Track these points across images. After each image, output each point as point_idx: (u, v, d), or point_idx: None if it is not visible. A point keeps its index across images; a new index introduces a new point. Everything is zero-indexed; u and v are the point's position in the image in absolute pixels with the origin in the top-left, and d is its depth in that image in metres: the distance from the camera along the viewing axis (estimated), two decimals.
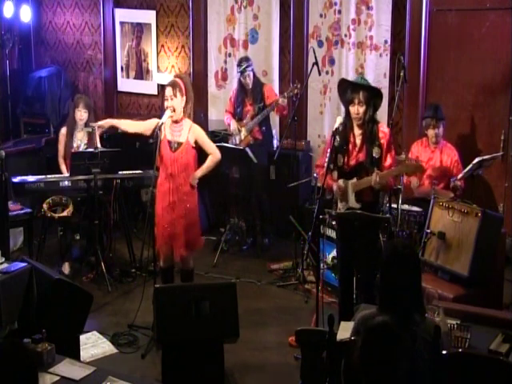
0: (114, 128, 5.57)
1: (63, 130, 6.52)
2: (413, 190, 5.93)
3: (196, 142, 5.05)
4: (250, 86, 6.71)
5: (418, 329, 2.92)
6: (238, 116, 6.82)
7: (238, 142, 6.76)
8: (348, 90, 4.68)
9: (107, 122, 5.45)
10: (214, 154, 5.12)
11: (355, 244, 4.80)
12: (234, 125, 6.80)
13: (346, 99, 4.70)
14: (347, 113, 4.72)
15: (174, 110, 4.94)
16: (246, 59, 6.74)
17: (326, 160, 4.64)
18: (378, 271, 4.63)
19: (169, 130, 5.03)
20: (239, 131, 6.76)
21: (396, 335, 2.59)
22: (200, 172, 5.08)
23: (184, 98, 4.97)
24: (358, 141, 4.70)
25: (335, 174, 4.78)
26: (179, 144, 4.99)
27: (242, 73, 6.70)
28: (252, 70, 6.70)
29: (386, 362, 2.54)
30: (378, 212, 4.81)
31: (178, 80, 5.03)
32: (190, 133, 4.99)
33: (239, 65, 6.75)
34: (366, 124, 4.65)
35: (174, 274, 5.28)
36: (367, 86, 4.68)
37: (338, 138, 4.71)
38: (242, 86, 6.77)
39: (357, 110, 4.62)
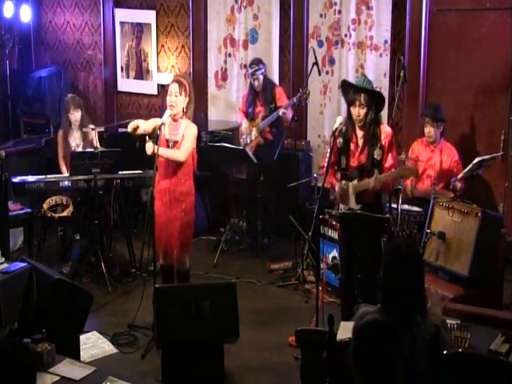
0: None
1: (60, 133, 6.54)
2: (409, 193, 5.91)
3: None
4: (259, 89, 6.71)
5: (418, 329, 2.92)
6: (250, 116, 6.80)
7: (248, 141, 6.75)
8: (350, 90, 4.69)
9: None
10: (180, 153, 4.94)
11: (356, 244, 4.80)
12: (245, 124, 6.79)
13: (348, 100, 4.70)
14: (349, 113, 4.71)
15: (176, 106, 4.94)
16: (258, 62, 6.69)
17: (326, 161, 4.65)
18: (378, 271, 4.65)
19: (168, 129, 5.03)
20: (250, 131, 6.75)
21: (386, 332, 2.58)
22: (159, 149, 4.85)
23: (187, 98, 4.97)
24: (360, 142, 4.70)
25: (338, 175, 4.79)
26: (175, 142, 4.99)
27: (251, 74, 6.70)
28: (262, 73, 6.66)
29: (378, 360, 2.53)
30: (380, 213, 4.80)
31: (183, 79, 5.03)
32: (185, 131, 4.99)
33: (250, 66, 6.74)
34: (367, 126, 4.65)
35: (174, 272, 5.26)
36: (368, 89, 4.67)
37: (341, 139, 4.72)
38: (252, 86, 6.77)
39: (358, 111, 4.62)
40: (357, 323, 2.75)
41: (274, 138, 6.76)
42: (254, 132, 6.72)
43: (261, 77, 6.68)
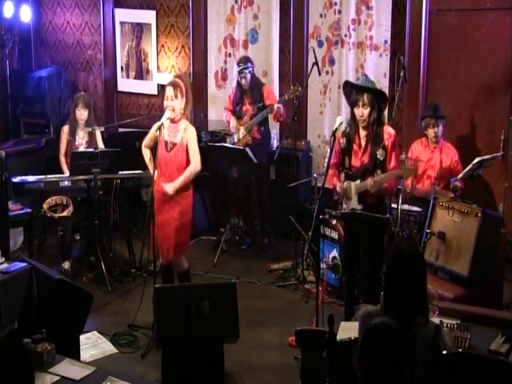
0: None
1: (65, 129, 6.54)
2: (408, 194, 5.91)
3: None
4: (246, 87, 6.70)
5: (419, 330, 2.91)
6: (237, 114, 6.80)
7: (236, 140, 6.75)
8: (353, 91, 4.69)
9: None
10: (193, 164, 4.97)
11: (357, 244, 4.81)
12: (233, 122, 6.78)
13: (351, 101, 4.70)
14: (352, 114, 4.72)
15: (174, 110, 4.95)
16: (246, 60, 6.70)
17: (326, 161, 4.66)
18: (379, 271, 4.66)
19: (167, 130, 5.03)
20: (238, 130, 6.75)
21: (395, 335, 2.58)
22: (177, 184, 4.93)
23: (184, 99, 4.97)
24: (363, 142, 4.71)
25: (342, 175, 4.79)
26: (174, 144, 4.99)
27: (239, 72, 6.71)
28: (250, 72, 6.66)
29: (385, 362, 2.53)
30: (383, 214, 4.80)
31: (178, 81, 5.02)
32: (184, 134, 4.99)
33: (238, 64, 6.74)
34: (370, 126, 4.65)
35: (173, 271, 5.26)
36: (371, 88, 4.67)
37: (344, 139, 4.73)
38: (240, 84, 6.77)
39: (361, 112, 4.62)
40: (366, 323, 2.74)
41: (261, 137, 6.76)
42: (242, 130, 6.71)
43: (248, 75, 6.67)
